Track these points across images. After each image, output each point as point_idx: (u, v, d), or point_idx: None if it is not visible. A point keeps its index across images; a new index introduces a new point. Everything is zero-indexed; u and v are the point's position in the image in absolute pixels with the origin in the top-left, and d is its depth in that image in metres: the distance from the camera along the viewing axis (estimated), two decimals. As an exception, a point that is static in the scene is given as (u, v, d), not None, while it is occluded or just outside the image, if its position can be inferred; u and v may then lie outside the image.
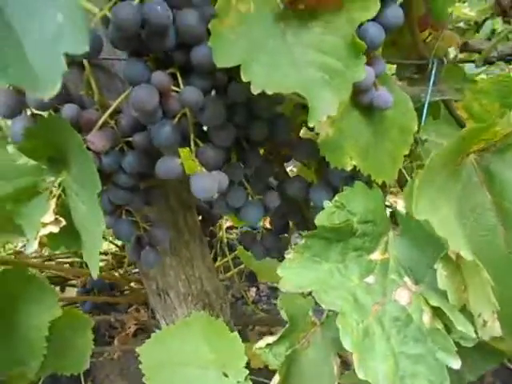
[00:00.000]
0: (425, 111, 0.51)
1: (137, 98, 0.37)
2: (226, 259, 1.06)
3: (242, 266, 1.10)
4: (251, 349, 1.11)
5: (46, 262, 0.82)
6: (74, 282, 1.01)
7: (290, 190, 0.49)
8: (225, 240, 1.07)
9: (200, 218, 0.75)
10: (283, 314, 0.55)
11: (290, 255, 0.38)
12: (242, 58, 0.33)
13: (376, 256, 0.38)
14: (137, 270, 1.04)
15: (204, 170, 0.41)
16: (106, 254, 1.14)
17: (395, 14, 0.37)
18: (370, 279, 0.37)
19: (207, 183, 0.39)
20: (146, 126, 0.44)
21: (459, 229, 0.33)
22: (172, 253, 0.67)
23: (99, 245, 0.39)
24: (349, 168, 0.41)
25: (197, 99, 0.37)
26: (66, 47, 0.26)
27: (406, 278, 0.37)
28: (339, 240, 0.38)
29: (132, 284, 0.99)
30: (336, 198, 0.38)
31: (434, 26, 0.58)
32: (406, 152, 0.46)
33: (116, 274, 0.99)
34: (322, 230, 0.37)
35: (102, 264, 1.12)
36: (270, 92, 0.32)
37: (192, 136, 0.41)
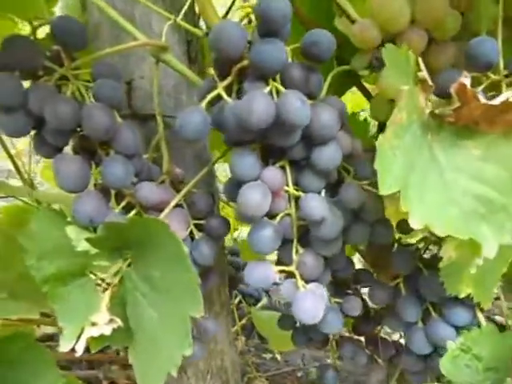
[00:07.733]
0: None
1: (248, 201, 0.30)
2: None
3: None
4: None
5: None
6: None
7: (374, 299, 0.43)
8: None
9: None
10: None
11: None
12: (401, 183, 0.27)
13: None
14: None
15: (304, 283, 0.34)
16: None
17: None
18: None
19: (314, 307, 0.32)
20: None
21: None
22: (200, 327, 0.59)
23: (170, 369, 0.32)
24: (463, 296, 0.36)
25: (322, 213, 0.31)
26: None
27: None
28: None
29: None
30: (461, 339, 0.33)
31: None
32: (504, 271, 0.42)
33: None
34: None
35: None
36: (438, 233, 0.27)
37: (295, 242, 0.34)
